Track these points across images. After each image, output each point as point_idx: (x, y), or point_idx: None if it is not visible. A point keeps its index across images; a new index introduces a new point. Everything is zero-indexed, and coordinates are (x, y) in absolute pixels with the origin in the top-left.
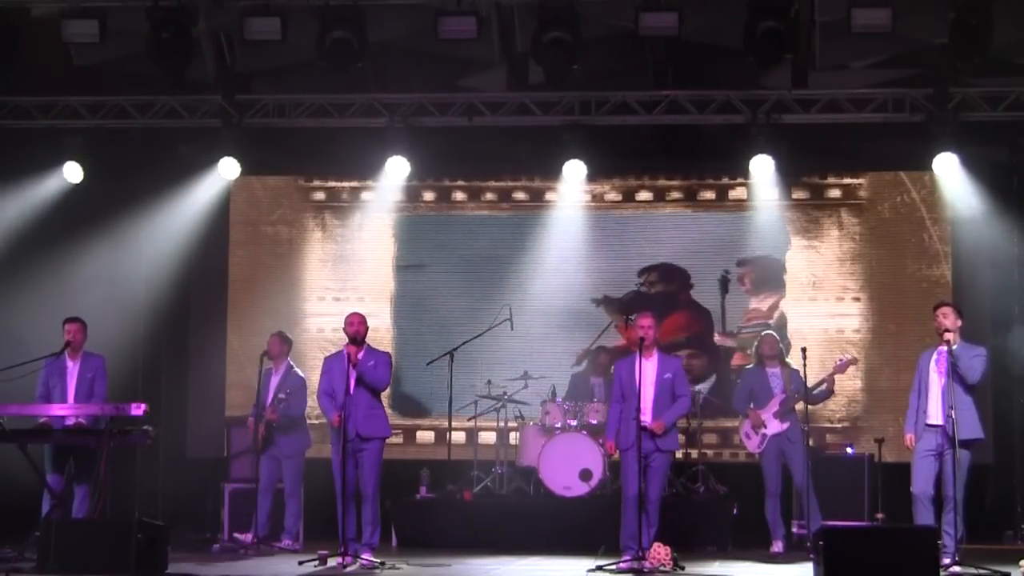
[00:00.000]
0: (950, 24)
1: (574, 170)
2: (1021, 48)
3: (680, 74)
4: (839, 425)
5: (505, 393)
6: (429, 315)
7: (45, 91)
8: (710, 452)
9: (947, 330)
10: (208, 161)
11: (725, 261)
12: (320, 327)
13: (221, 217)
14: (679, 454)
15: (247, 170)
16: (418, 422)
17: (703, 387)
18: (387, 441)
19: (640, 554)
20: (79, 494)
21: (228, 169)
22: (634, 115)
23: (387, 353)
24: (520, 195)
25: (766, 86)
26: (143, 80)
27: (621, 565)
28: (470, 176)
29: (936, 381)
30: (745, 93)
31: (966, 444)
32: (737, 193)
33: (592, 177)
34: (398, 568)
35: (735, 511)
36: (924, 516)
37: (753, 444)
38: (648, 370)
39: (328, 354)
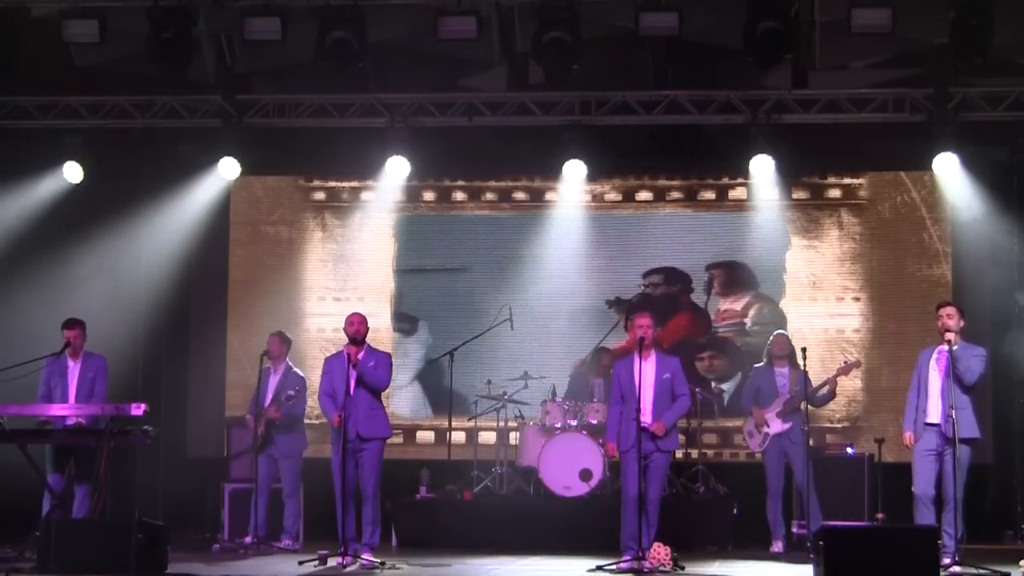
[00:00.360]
0: (950, 24)
1: (574, 170)
2: (1021, 48)
3: (680, 74)
4: (839, 425)
5: (505, 393)
6: (429, 315)
7: (45, 91)
8: (710, 452)
9: (949, 330)
10: (208, 161)
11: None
12: (320, 327)
13: (221, 217)
14: (679, 454)
15: (247, 170)
16: (418, 422)
17: (727, 386)
18: (387, 441)
19: (640, 554)
20: (79, 494)
21: (228, 169)
22: (634, 115)
23: (387, 353)
24: (520, 195)
25: (766, 86)
26: (143, 80)
27: (621, 565)
28: (470, 176)
29: (936, 380)
30: (745, 93)
31: (964, 444)
32: (737, 193)
33: (592, 177)
34: (398, 568)
35: (735, 511)
36: (924, 516)
37: (755, 443)
38: (647, 371)
39: (328, 354)
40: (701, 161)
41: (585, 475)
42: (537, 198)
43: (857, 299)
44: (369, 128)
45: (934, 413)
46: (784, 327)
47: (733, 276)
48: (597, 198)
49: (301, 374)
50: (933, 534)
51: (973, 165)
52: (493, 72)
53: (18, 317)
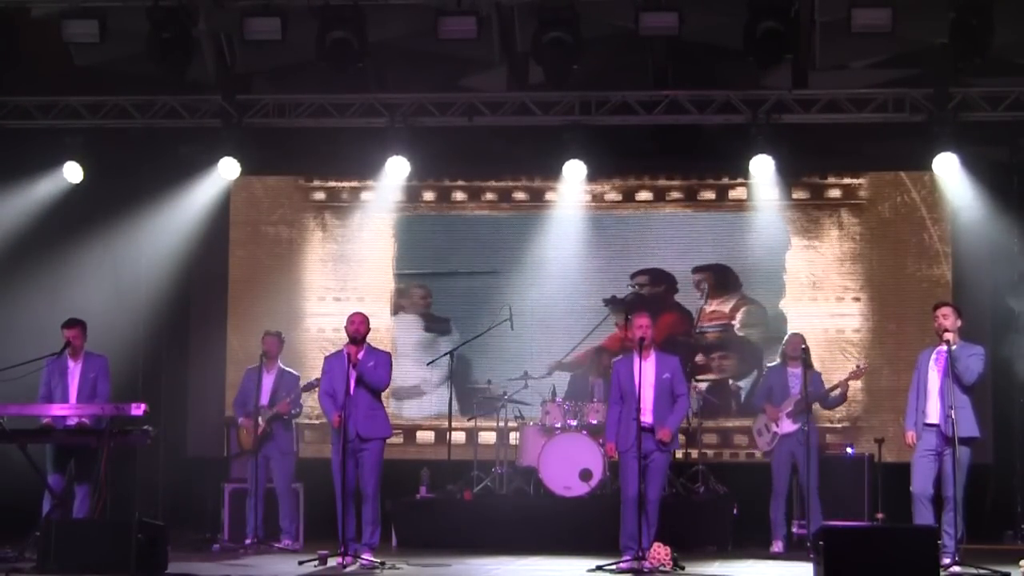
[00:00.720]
0: (950, 24)
1: (574, 170)
2: (1021, 48)
3: (680, 74)
4: (839, 425)
5: (505, 393)
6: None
7: (45, 91)
8: (710, 452)
9: (947, 330)
10: (208, 161)
11: (726, 261)
12: (320, 327)
13: (221, 217)
14: (679, 454)
15: (247, 170)
16: (418, 422)
17: (744, 383)
18: (387, 441)
19: (640, 554)
20: (79, 494)
21: (228, 169)
22: (634, 115)
23: (387, 353)
24: (520, 195)
25: (766, 86)
26: (143, 80)
27: (621, 565)
28: (470, 176)
29: (935, 380)
30: (745, 93)
31: (963, 443)
32: (737, 193)
33: (592, 177)
34: (398, 568)
35: (735, 511)
36: (924, 516)
37: (763, 442)
38: (647, 370)
39: (328, 354)
40: (701, 161)
41: (585, 475)
42: (537, 198)
43: (857, 299)
44: (369, 128)
45: (933, 414)
46: (771, 328)
47: (721, 278)
48: (597, 198)
49: (296, 373)
50: (933, 534)
51: (973, 165)
52: (493, 72)
53: (18, 317)
